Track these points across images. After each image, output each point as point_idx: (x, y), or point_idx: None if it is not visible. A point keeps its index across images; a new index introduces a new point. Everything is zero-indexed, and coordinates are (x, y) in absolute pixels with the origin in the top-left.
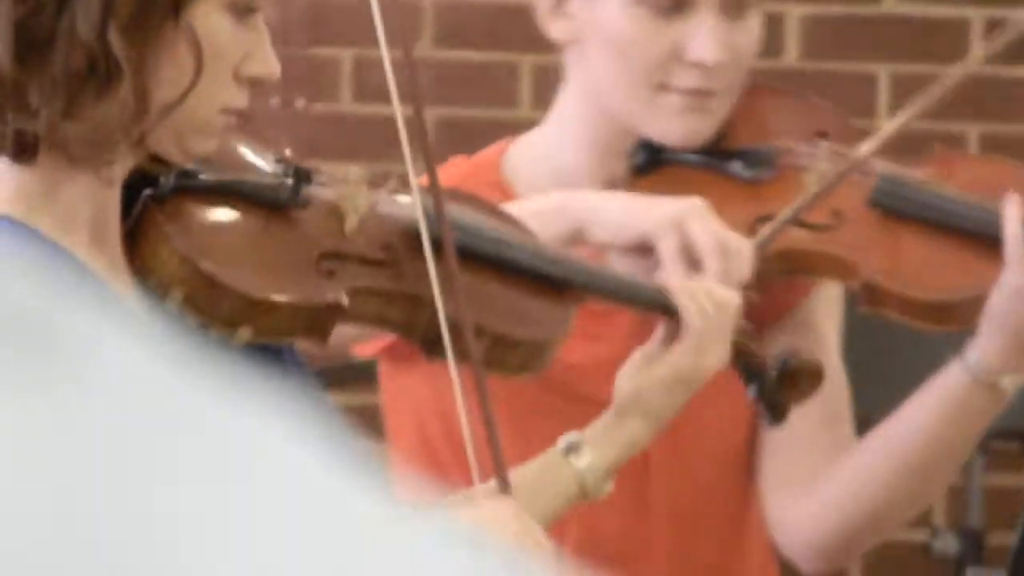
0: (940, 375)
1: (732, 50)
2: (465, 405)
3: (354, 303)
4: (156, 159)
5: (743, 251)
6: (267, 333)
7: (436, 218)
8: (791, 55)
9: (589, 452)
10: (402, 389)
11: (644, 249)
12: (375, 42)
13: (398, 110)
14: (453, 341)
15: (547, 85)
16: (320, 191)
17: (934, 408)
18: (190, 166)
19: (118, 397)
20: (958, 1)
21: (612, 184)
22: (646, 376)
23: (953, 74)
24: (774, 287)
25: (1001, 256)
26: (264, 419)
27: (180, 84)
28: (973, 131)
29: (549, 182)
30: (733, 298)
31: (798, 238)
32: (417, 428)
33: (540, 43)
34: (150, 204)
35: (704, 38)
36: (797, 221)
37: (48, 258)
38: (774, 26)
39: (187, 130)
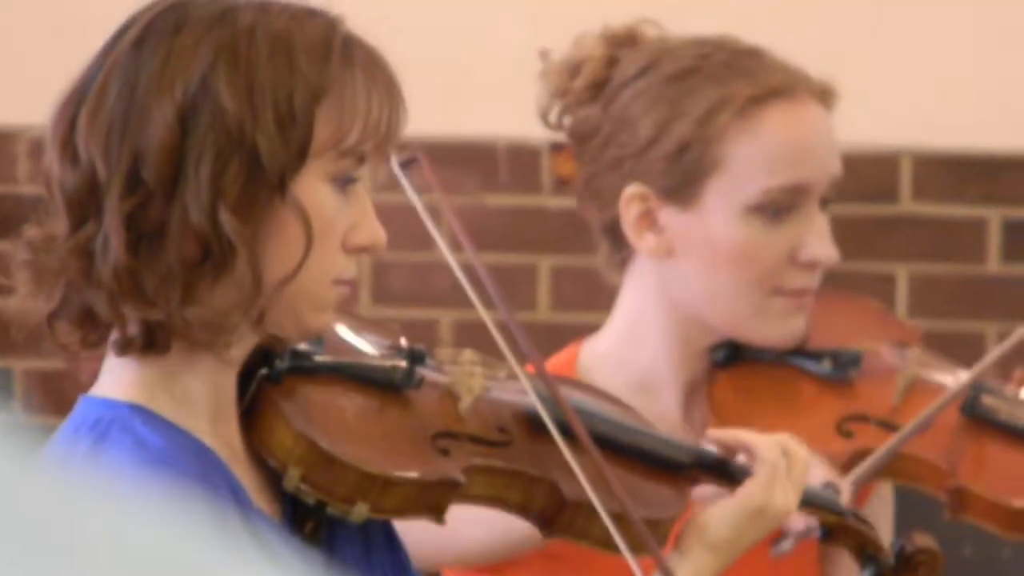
0: None
1: None
2: None
3: (469, 482)
4: (270, 341)
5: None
6: (384, 510)
7: (553, 402)
8: None
9: None
10: None
11: None
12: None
13: (484, 313)
14: (588, 523)
15: (566, 286)
16: (434, 373)
17: None
18: (304, 347)
19: None
20: (975, 201)
21: (694, 383)
22: (712, 509)
23: None
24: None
25: None
26: None
27: (292, 259)
28: None
29: (627, 382)
30: (805, 453)
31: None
32: None
33: (558, 245)
34: (266, 384)
35: (820, 238)
36: (890, 426)
37: (179, 446)
38: None
39: (302, 306)
